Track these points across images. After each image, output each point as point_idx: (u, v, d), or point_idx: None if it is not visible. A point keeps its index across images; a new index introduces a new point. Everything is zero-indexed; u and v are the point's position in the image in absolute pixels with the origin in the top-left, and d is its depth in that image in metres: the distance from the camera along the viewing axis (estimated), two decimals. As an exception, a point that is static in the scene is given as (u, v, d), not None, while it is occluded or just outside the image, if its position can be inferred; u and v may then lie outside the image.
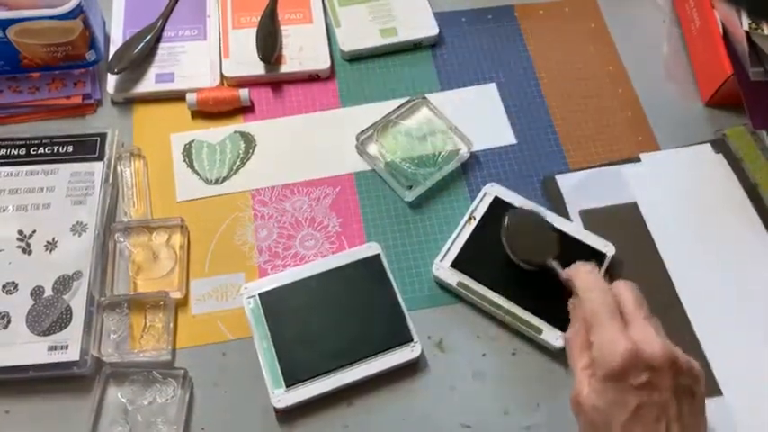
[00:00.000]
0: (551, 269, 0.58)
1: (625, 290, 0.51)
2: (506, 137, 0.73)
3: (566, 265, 0.57)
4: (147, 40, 0.75)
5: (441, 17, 0.80)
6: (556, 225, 0.65)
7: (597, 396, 0.47)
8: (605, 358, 0.47)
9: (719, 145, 0.73)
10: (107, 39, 0.76)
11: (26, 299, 0.61)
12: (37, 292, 0.61)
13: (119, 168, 0.68)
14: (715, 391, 0.59)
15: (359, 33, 0.78)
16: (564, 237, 0.64)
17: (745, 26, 0.69)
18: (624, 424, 0.46)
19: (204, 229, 0.67)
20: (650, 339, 0.47)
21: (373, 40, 0.78)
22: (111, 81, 0.73)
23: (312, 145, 0.72)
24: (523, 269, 0.61)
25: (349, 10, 0.80)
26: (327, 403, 0.58)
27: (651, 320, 0.49)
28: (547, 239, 0.61)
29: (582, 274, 0.53)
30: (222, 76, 0.75)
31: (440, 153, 0.70)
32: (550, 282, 0.59)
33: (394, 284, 0.62)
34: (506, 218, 0.62)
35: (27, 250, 0.63)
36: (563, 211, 0.68)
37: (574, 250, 0.64)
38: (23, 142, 0.68)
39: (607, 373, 0.46)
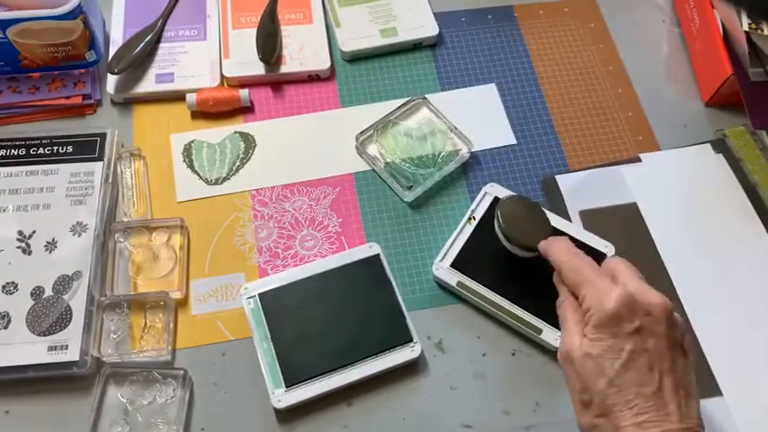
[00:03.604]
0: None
1: (616, 262, 0.51)
2: (506, 137, 0.73)
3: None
4: (147, 40, 0.75)
5: (441, 17, 0.80)
6: (556, 225, 0.65)
7: (591, 344, 0.47)
8: (600, 305, 0.47)
9: (719, 145, 0.73)
10: (107, 39, 0.76)
11: (26, 299, 0.61)
12: (37, 293, 0.61)
13: (119, 168, 0.68)
14: (715, 391, 0.59)
15: (359, 33, 0.78)
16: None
17: (745, 26, 0.69)
18: (618, 370, 0.45)
19: (204, 230, 0.67)
20: (646, 290, 0.48)
21: (373, 41, 0.78)
22: (111, 81, 0.73)
23: (312, 145, 0.72)
24: (520, 260, 0.61)
25: (349, 10, 0.80)
26: (327, 403, 0.58)
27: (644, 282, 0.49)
28: (539, 224, 0.61)
29: (556, 245, 0.55)
30: (222, 76, 0.75)
31: (440, 153, 0.70)
32: (550, 280, 0.59)
33: (394, 284, 0.62)
34: (499, 205, 0.62)
35: (27, 250, 0.63)
36: (563, 212, 0.68)
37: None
38: (23, 142, 0.68)
39: (602, 317, 0.46)
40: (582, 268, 0.51)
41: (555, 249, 0.55)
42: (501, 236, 0.61)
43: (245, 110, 0.74)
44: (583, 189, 0.70)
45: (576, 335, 0.49)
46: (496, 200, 0.67)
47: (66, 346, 0.59)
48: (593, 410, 0.46)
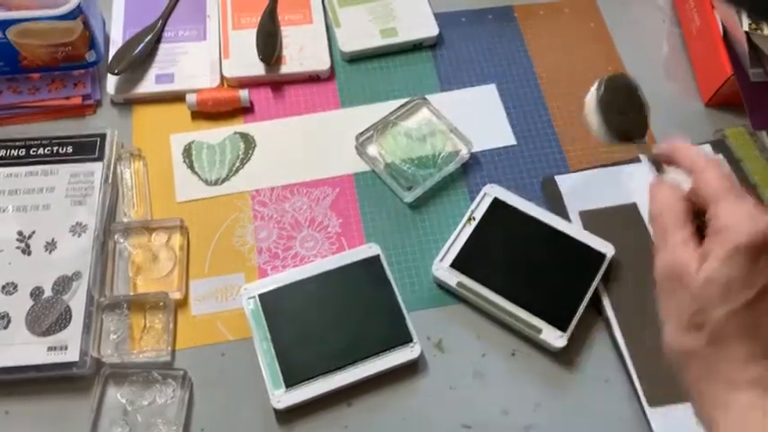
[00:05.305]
0: (636, 146, 0.56)
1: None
2: (506, 137, 0.73)
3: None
4: (147, 40, 0.75)
5: (441, 17, 0.80)
6: (555, 226, 0.65)
7: (719, 267, 0.42)
8: (744, 228, 0.42)
9: (719, 145, 0.72)
10: (107, 39, 0.76)
11: (26, 299, 0.61)
12: (36, 293, 0.61)
13: (118, 169, 0.68)
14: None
15: (359, 34, 0.78)
16: (563, 237, 0.64)
17: (745, 26, 0.69)
18: (745, 304, 0.41)
19: (204, 230, 0.67)
20: None
21: (373, 41, 0.78)
22: (111, 82, 0.73)
23: (312, 145, 0.72)
24: (520, 259, 0.60)
25: (349, 10, 0.80)
26: (327, 403, 0.58)
27: None
28: (637, 116, 0.58)
29: (689, 154, 0.49)
30: (222, 76, 0.75)
31: (440, 154, 0.70)
32: (550, 279, 0.59)
33: (394, 285, 0.62)
34: (603, 84, 0.59)
35: (26, 251, 0.63)
36: (562, 212, 0.67)
37: (573, 251, 0.64)
38: (23, 143, 0.68)
39: (745, 242, 0.42)
40: (721, 189, 0.45)
41: (691, 160, 0.48)
42: (598, 117, 0.59)
43: (245, 110, 0.74)
44: (583, 189, 0.69)
45: (690, 251, 0.44)
46: (496, 200, 0.67)
47: (66, 346, 0.59)
48: (703, 336, 0.43)
